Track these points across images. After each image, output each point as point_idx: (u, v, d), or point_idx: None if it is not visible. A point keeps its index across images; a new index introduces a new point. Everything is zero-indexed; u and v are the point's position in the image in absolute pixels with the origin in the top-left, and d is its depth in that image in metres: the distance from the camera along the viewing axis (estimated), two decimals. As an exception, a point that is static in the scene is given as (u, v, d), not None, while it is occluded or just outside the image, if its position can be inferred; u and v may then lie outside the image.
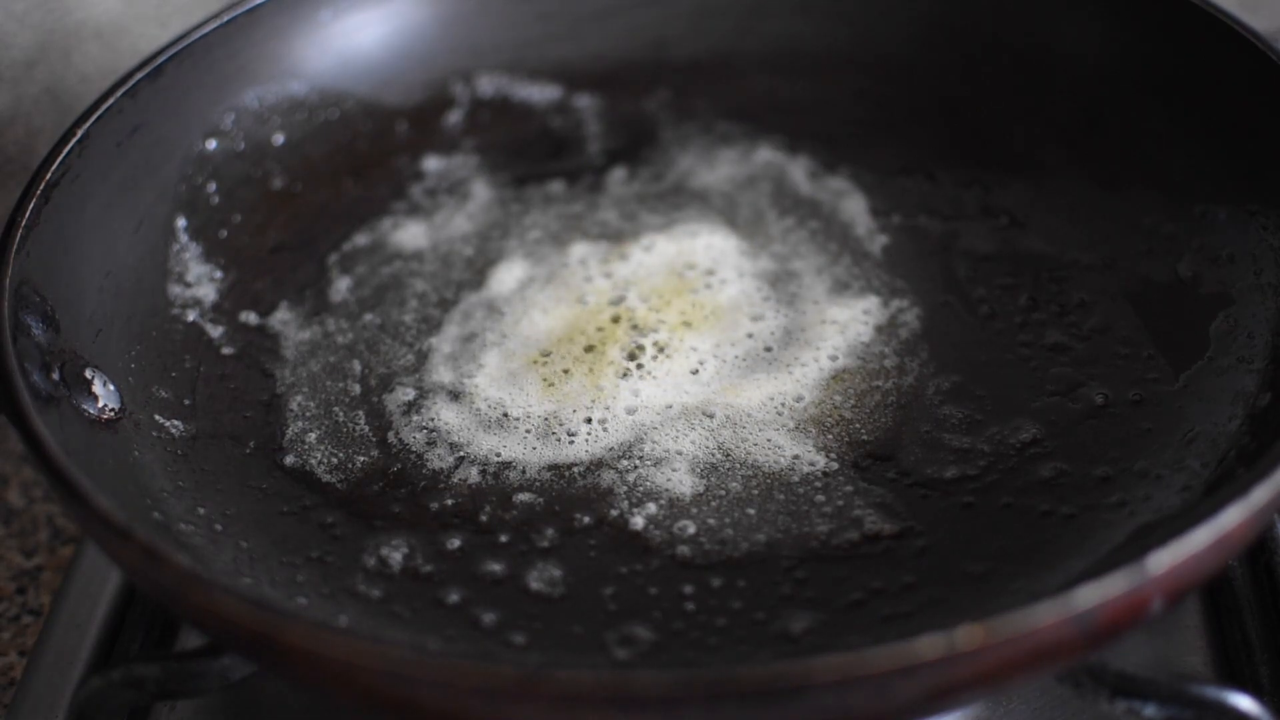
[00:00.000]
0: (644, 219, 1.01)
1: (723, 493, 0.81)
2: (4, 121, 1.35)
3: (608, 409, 0.86)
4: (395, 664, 0.60)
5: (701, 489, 0.81)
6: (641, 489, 0.81)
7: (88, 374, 0.80)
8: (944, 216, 0.99)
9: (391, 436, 0.86)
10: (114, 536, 0.66)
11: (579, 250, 0.98)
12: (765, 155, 1.05)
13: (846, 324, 0.91)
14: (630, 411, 0.86)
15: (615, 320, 0.92)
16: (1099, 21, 0.99)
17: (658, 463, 0.83)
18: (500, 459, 0.84)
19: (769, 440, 0.84)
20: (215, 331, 0.92)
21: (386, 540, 0.79)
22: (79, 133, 0.87)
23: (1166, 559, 0.62)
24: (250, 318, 0.94)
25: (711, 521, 0.79)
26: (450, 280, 0.97)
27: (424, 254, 0.99)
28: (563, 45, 1.09)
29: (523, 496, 0.82)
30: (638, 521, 0.80)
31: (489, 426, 0.86)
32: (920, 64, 1.06)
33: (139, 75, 0.92)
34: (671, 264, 0.96)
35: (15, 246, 0.80)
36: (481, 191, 1.04)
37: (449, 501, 0.82)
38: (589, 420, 0.86)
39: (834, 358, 0.89)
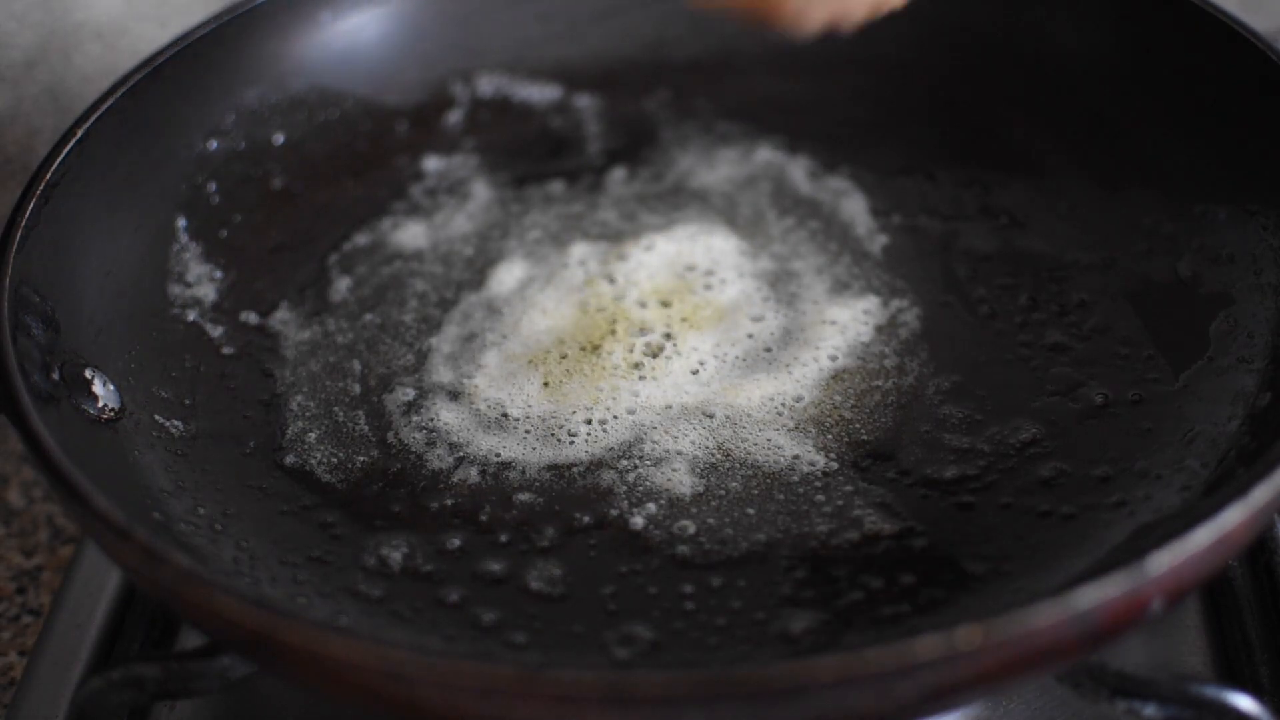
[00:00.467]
0: (644, 219, 1.01)
1: (722, 492, 0.81)
2: (4, 121, 1.35)
3: (608, 409, 0.86)
4: (395, 664, 0.60)
5: (701, 489, 0.81)
6: (641, 489, 0.82)
7: (88, 374, 0.80)
8: (944, 216, 0.99)
9: (391, 436, 0.86)
10: (114, 536, 0.66)
11: (579, 250, 0.98)
12: (765, 155, 1.05)
13: (846, 324, 0.91)
14: (630, 411, 0.86)
15: (615, 320, 0.92)
16: (1099, 21, 0.99)
17: (657, 463, 0.83)
18: (500, 459, 0.84)
19: (769, 440, 0.84)
20: (215, 331, 0.92)
21: (386, 540, 0.79)
22: (79, 133, 0.87)
23: (1166, 559, 0.62)
24: (250, 318, 0.94)
25: (711, 521, 0.79)
26: (450, 280, 0.97)
27: (424, 254, 0.99)
28: (563, 45, 1.09)
29: (523, 496, 0.82)
30: (638, 521, 0.80)
31: (488, 427, 0.86)
32: (920, 64, 1.06)
33: (139, 75, 0.92)
34: (671, 264, 0.96)
35: (15, 246, 0.80)
36: (481, 191, 1.04)
37: (449, 501, 0.82)
38: (589, 420, 0.86)
39: (834, 358, 0.89)
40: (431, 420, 0.86)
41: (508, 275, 0.97)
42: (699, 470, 0.82)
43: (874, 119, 1.06)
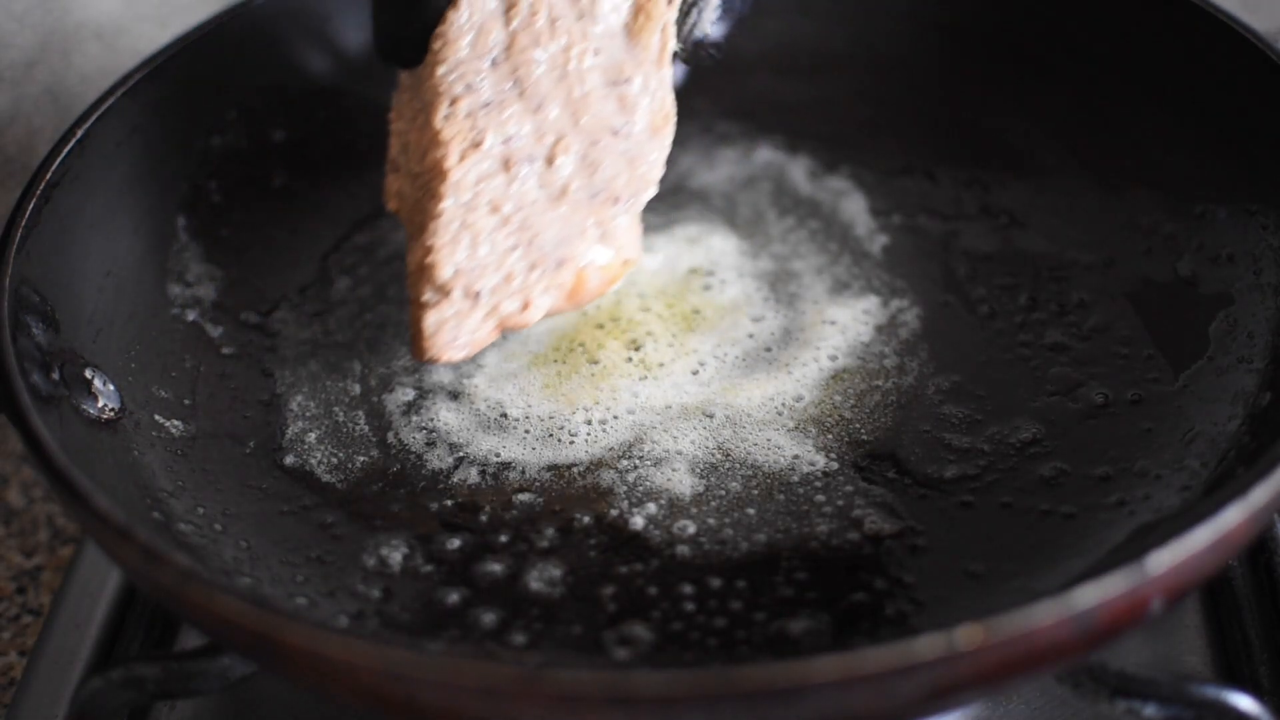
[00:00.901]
0: (644, 219, 1.01)
1: (722, 493, 0.81)
2: (4, 121, 1.35)
3: (608, 409, 0.86)
4: (395, 664, 0.60)
5: (701, 489, 0.81)
6: (641, 489, 0.81)
7: (88, 374, 0.80)
8: (944, 216, 0.99)
9: (391, 437, 0.86)
10: (114, 536, 0.66)
11: (579, 250, 0.97)
12: (765, 155, 1.05)
13: (846, 324, 0.91)
14: (630, 411, 0.86)
15: (615, 320, 0.92)
16: (1099, 21, 0.99)
17: (657, 463, 0.83)
18: (500, 459, 0.84)
19: (769, 440, 0.84)
20: (215, 331, 0.92)
21: (386, 540, 0.79)
22: (79, 133, 0.87)
23: (1166, 559, 0.62)
24: (250, 317, 0.94)
25: (711, 521, 0.79)
26: (450, 280, 0.97)
27: (424, 254, 0.99)
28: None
29: (522, 497, 0.82)
30: (637, 521, 0.80)
31: (488, 427, 0.86)
32: (920, 64, 1.06)
33: (139, 75, 0.92)
34: (671, 264, 0.96)
35: (15, 246, 0.80)
36: (481, 191, 1.04)
37: (449, 501, 0.82)
38: (588, 420, 0.86)
39: (834, 358, 0.89)
40: (431, 420, 0.86)
41: (508, 275, 0.96)
42: (699, 470, 0.82)
43: (874, 119, 1.06)
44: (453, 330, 0.80)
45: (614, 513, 0.80)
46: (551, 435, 0.85)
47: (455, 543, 0.79)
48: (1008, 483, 0.80)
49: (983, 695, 0.77)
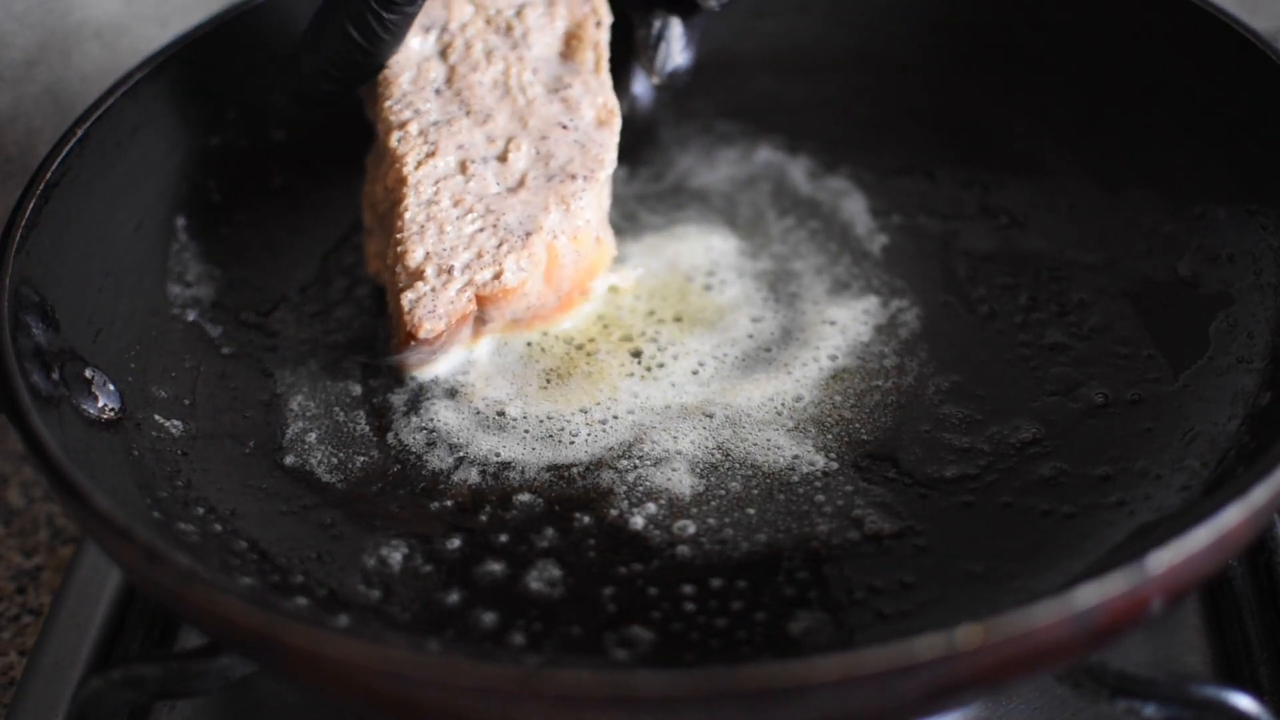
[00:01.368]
0: (644, 219, 1.01)
1: (723, 493, 0.81)
2: (4, 121, 1.35)
3: (608, 409, 0.86)
4: (395, 664, 0.60)
5: (701, 489, 0.81)
6: (641, 489, 0.81)
7: (88, 374, 0.80)
8: (944, 216, 0.99)
9: (391, 437, 0.86)
10: (114, 536, 0.66)
11: (579, 250, 0.97)
12: (765, 155, 1.05)
13: (846, 324, 0.91)
14: (630, 411, 0.86)
15: (615, 320, 0.92)
16: (1099, 21, 0.99)
17: (657, 463, 0.83)
18: (500, 459, 0.84)
19: (769, 440, 0.84)
20: (215, 331, 0.92)
21: (386, 540, 0.79)
22: (79, 133, 0.87)
23: (1166, 558, 0.62)
24: (250, 317, 0.94)
25: (711, 521, 0.79)
26: (450, 280, 0.97)
27: (424, 254, 0.99)
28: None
29: (523, 497, 0.82)
30: (637, 521, 0.80)
31: (488, 427, 0.86)
32: (920, 64, 1.06)
33: (139, 75, 0.92)
34: (671, 264, 0.96)
35: (15, 246, 0.80)
36: (481, 191, 1.04)
37: (449, 502, 0.82)
38: (588, 420, 0.86)
39: (834, 358, 0.89)
40: (431, 420, 0.86)
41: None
42: (699, 470, 0.82)
43: (874, 119, 1.06)
44: (429, 303, 0.83)
45: (614, 513, 0.80)
46: (551, 436, 0.85)
47: (455, 543, 0.79)
48: (1008, 483, 0.80)
49: (983, 695, 0.77)
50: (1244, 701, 0.69)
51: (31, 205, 0.82)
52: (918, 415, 0.85)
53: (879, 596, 0.75)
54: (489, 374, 0.89)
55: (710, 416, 0.85)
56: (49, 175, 0.84)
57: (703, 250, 0.97)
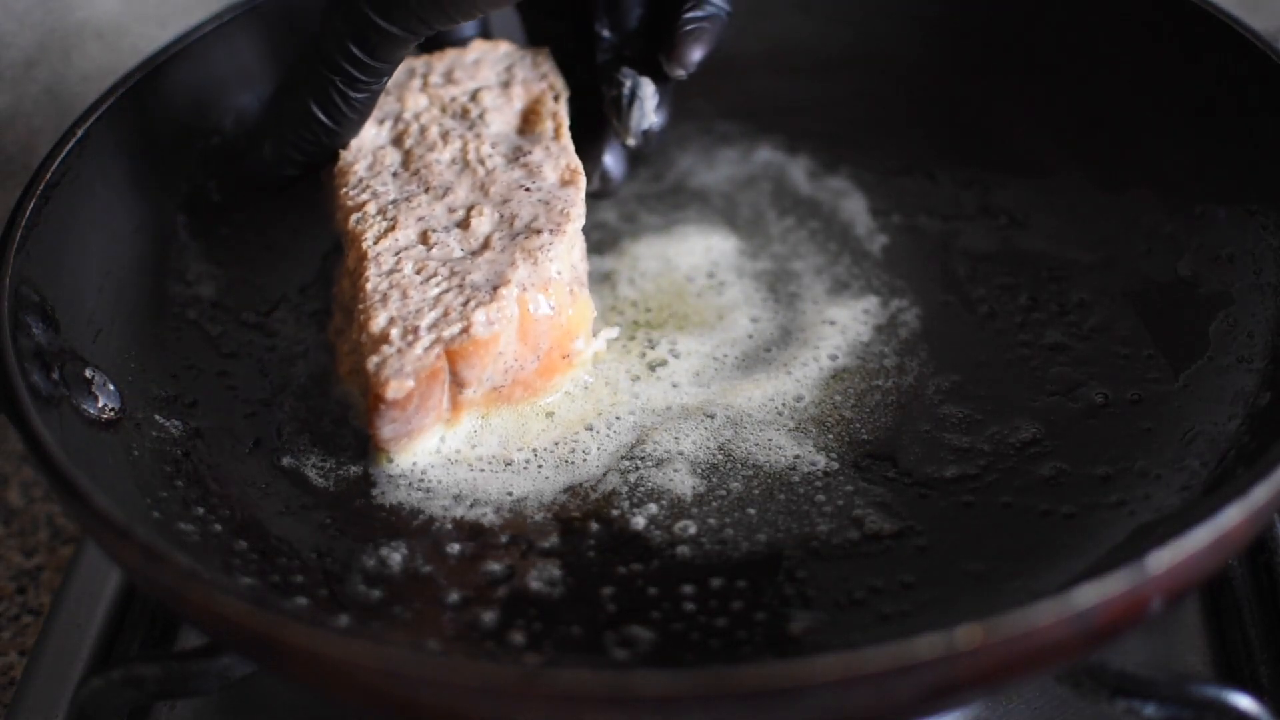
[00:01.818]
0: (644, 219, 1.01)
1: (723, 493, 0.81)
2: (4, 121, 1.35)
3: (611, 415, 0.86)
4: (395, 664, 0.60)
5: (702, 489, 0.81)
6: (642, 489, 0.81)
7: (88, 374, 0.80)
8: (944, 216, 0.99)
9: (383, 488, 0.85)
10: (114, 536, 0.66)
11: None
12: (765, 155, 1.05)
13: (846, 324, 0.91)
14: (631, 412, 0.86)
15: (615, 321, 0.92)
16: (1099, 21, 0.99)
17: (658, 463, 0.83)
18: (513, 496, 0.82)
19: (769, 440, 0.84)
20: (215, 331, 0.92)
21: (386, 541, 0.79)
22: (79, 133, 0.87)
23: (1166, 558, 0.62)
24: (250, 317, 0.94)
25: (712, 521, 0.79)
26: (450, 280, 0.97)
27: (424, 254, 0.99)
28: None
29: (538, 518, 0.80)
30: (638, 521, 0.80)
31: (498, 471, 0.84)
32: (920, 64, 1.06)
33: (139, 75, 0.92)
34: (671, 264, 0.96)
35: (15, 246, 0.80)
36: (481, 191, 1.04)
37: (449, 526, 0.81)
38: (595, 435, 0.85)
39: (834, 357, 0.89)
40: (423, 478, 0.85)
41: (508, 275, 0.96)
42: (700, 471, 0.82)
43: (874, 119, 1.06)
44: (395, 363, 0.78)
45: (615, 513, 0.80)
46: (565, 461, 0.83)
47: (455, 543, 0.79)
48: (1008, 483, 0.80)
49: (983, 695, 0.77)
50: (1244, 701, 0.69)
51: (31, 205, 0.82)
52: (918, 415, 0.85)
53: (879, 596, 0.75)
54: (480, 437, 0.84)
55: (711, 417, 0.85)
56: (49, 175, 0.84)
57: (702, 250, 0.97)
